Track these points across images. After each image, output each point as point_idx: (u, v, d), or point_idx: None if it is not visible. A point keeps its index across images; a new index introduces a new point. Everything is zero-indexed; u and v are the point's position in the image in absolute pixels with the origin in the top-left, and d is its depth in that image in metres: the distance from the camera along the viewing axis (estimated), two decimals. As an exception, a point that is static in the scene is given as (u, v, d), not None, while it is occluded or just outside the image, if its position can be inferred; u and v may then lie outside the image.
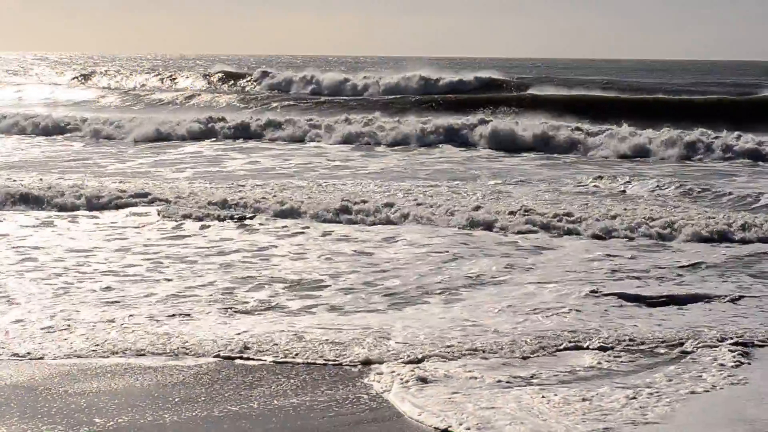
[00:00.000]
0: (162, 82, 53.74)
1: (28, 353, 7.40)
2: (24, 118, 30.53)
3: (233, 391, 6.67)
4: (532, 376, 6.92)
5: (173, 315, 8.47)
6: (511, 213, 13.57)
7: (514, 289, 9.58)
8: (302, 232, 12.74)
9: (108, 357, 7.35)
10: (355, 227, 13.15)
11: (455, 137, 26.17)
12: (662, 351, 7.57)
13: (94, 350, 7.47)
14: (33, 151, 24.36)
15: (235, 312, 8.64)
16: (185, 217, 13.56)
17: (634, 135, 24.41)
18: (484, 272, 10.35)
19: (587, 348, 7.59)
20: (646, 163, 22.36)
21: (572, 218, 13.24)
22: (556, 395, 6.48)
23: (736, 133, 23.89)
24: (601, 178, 18.34)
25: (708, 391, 6.66)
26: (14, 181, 16.82)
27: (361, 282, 9.85)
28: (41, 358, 7.30)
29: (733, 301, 9.11)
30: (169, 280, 9.88)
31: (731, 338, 7.80)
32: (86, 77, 58.80)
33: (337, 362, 7.24)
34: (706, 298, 9.18)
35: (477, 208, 13.99)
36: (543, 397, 6.45)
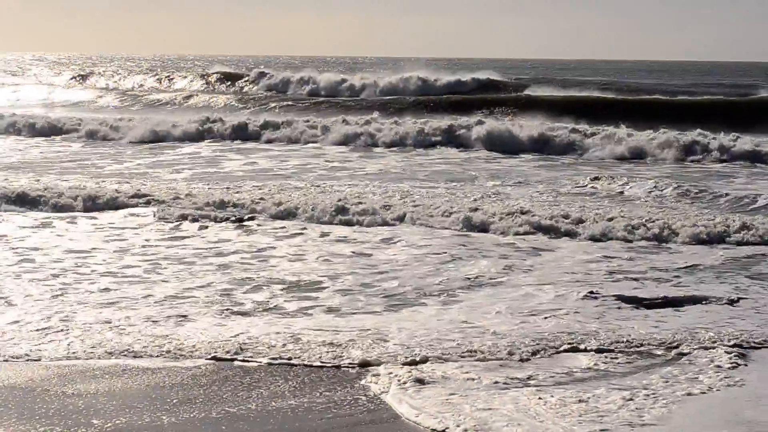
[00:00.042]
0: (160, 83, 53.75)
1: (26, 354, 7.40)
2: (21, 118, 30.52)
3: (231, 392, 6.68)
4: (528, 378, 6.93)
5: (171, 316, 8.47)
6: (510, 214, 13.58)
7: (512, 291, 9.60)
8: (300, 233, 12.75)
9: (106, 358, 7.35)
10: (353, 228, 13.15)
11: (453, 138, 26.17)
12: (659, 353, 7.58)
13: (91, 352, 7.48)
14: (31, 152, 24.36)
15: (233, 313, 8.64)
16: (182, 218, 13.56)
17: (632, 136, 24.44)
18: (482, 274, 10.36)
19: (584, 350, 7.61)
20: (644, 165, 22.38)
21: (570, 220, 13.25)
22: (552, 396, 6.50)
23: (735, 134, 23.93)
24: (599, 179, 18.36)
25: (704, 392, 6.67)
26: (11, 183, 16.81)
27: (359, 283, 9.86)
28: (39, 360, 7.31)
29: (730, 302, 9.13)
30: (167, 281, 9.88)
31: (728, 340, 7.81)
32: (84, 77, 58.80)
33: (335, 364, 7.24)
34: (703, 300, 9.20)
35: (475, 209, 14.00)
36: (540, 398, 6.47)
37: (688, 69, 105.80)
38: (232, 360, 7.35)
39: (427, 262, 10.94)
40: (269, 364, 7.26)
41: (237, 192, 15.93)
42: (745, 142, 23.44)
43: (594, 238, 12.50)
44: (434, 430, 6.02)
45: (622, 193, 17.00)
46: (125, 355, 7.41)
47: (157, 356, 7.40)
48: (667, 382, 6.85)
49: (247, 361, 7.33)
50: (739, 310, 8.88)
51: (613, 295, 9.30)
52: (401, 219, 13.54)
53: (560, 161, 22.95)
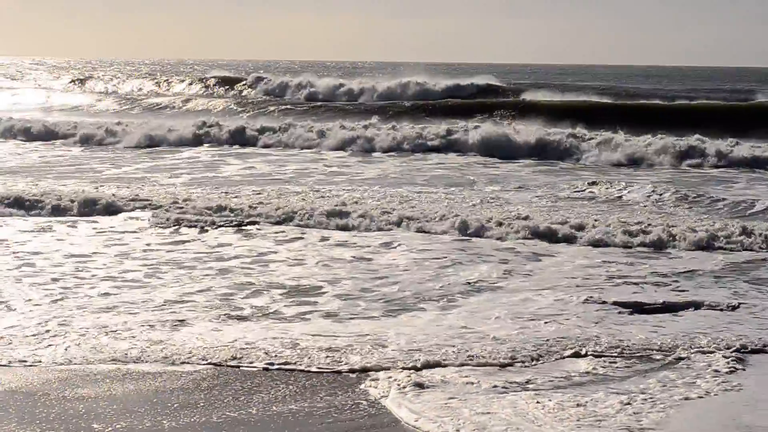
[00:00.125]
0: (159, 86, 53.79)
1: (26, 359, 7.42)
2: (18, 123, 30.52)
3: (232, 397, 6.70)
4: (527, 382, 6.96)
5: (172, 321, 8.49)
6: (509, 219, 13.61)
7: (511, 296, 9.62)
8: (300, 238, 12.78)
9: (105, 363, 7.37)
10: (352, 233, 13.18)
11: (452, 143, 26.21)
12: (657, 357, 7.61)
13: (92, 356, 7.49)
14: (30, 156, 24.37)
15: (233, 318, 8.66)
16: (179, 222, 13.57)
17: (630, 141, 24.48)
18: (481, 278, 10.38)
19: (583, 355, 7.63)
20: (642, 170, 22.42)
21: (569, 225, 13.28)
22: (550, 401, 6.53)
23: (733, 139, 23.98)
24: (597, 184, 18.39)
25: (702, 397, 6.70)
26: (9, 187, 16.83)
27: (359, 288, 9.88)
28: (39, 364, 7.32)
29: (729, 307, 9.15)
30: (166, 286, 9.90)
31: (726, 345, 7.84)
32: (83, 81, 58.83)
33: (335, 369, 7.27)
34: (702, 305, 9.23)
35: (474, 214, 14.03)
36: (538, 402, 6.49)
37: (688, 74, 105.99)
38: (234, 365, 7.36)
39: (426, 267, 10.97)
40: (269, 369, 7.28)
41: (236, 196, 15.96)
42: (744, 147, 23.50)
43: (593, 243, 12.53)
44: (433, 434, 6.04)
45: (620, 198, 17.04)
46: (125, 360, 7.42)
47: (158, 361, 7.42)
48: (665, 386, 6.88)
49: (247, 366, 7.35)
50: (738, 315, 8.90)
51: (612, 300, 9.33)
52: (400, 224, 13.57)
53: (559, 166, 22.99)
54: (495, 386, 6.83)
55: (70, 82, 59.00)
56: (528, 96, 38.18)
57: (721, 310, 9.08)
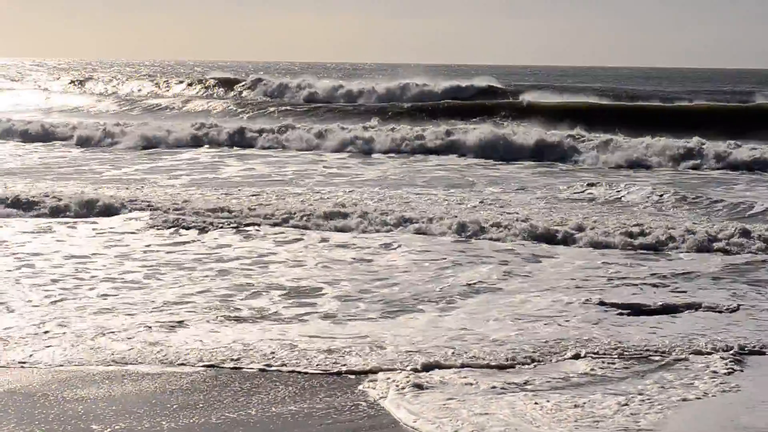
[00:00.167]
0: (158, 87, 53.80)
1: (25, 360, 7.43)
2: (18, 123, 30.53)
3: (231, 398, 6.72)
4: (525, 382, 6.97)
5: (171, 322, 8.50)
6: (509, 220, 13.62)
7: (510, 297, 9.63)
8: (300, 239, 12.79)
9: (104, 364, 7.38)
10: (352, 234, 13.19)
11: (452, 144, 26.21)
12: (655, 358, 7.62)
13: (90, 357, 7.51)
14: (29, 157, 24.38)
15: (233, 320, 8.67)
16: (179, 224, 13.58)
17: (629, 143, 24.49)
18: (481, 280, 10.40)
19: (582, 356, 7.64)
20: (642, 171, 22.43)
21: (569, 226, 13.29)
22: (548, 401, 6.54)
23: (733, 141, 23.98)
24: (597, 185, 18.40)
25: (700, 398, 6.71)
26: (8, 188, 16.84)
27: (358, 289, 9.90)
28: (38, 365, 7.34)
29: (728, 309, 9.17)
30: (166, 287, 9.91)
31: (724, 346, 7.85)
32: (82, 83, 58.83)
33: (334, 370, 7.28)
34: (700, 307, 9.24)
35: (474, 215, 14.04)
36: (536, 403, 6.51)
37: (688, 75, 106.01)
38: (233, 366, 7.37)
39: (426, 268, 10.98)
40: (268, 370, 7.29)
41: (235, 198, 15.97)
42: (743, 149, 23.51)
43: (593, 245, 12.54)
44: (432, 435, 6.05)
45: (620, 199, 17.05)
46: (124, 362, 7.43)
47: (157, 362, 7.43)
48: (662, 387, 6.89)
49: (246, 367, 7.36)
50: (736, 317, 8.92)
51: (611, 302, 9.34)
52: (400, 225, 13.57)
53: (558, 168, 23.00)
54: (493, 387, 6.84)
55: (70, 83, 59.01)
56: (528, 97, 38.18)
57: (720, 311, 9.09)
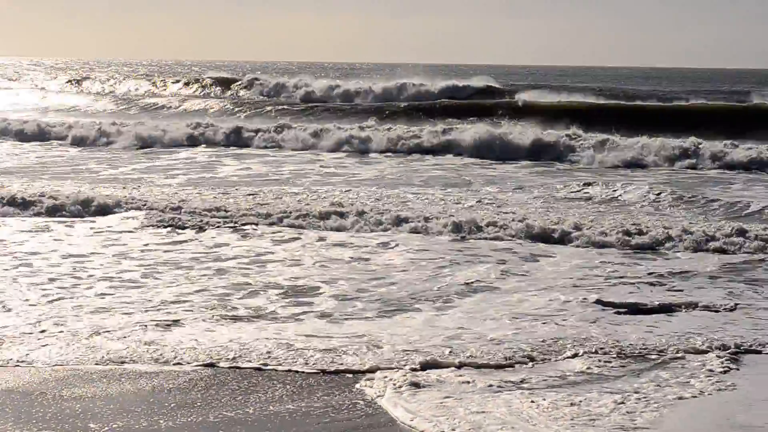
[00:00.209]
0: (155, 86, 53.78)
1: (23, 359, 7.43)
2: (15, 124, 30.50)
3: (229, 397, 6.72)
4: (522, 381, 6.99)
5: (168, 322, 8.51)
6: (506, 220, 13.64)
7: (508, 296, 9.65)
8: (297, 238, 12.80)
9: (102, 363, 7.38)
10: (349, 233, 13.20)
11: (449, 144, 26.22)
12: (652, 357, 7.64)
13: (88, 356, 7.51)
14: (26, 157, 24.38)
15: (230, 319, 8.68)
16: (176, 223, 13.58)
17: (626, 142, 24.51)
18: (478, 279, 10.41)
19: (578, 354, 7.66)
20: (639, 171, 22.46)
21: (566, 225, 13.30)
22: (545, 400, 6.56)
23: (730, 141, 24.02)
24: (594, 185, 18.42)
25: (696, 396, 6.73)
26: (4, 187, 16.83)
27: (355, 289, 9.91)
28: (36, 364, 7.34)
29: (724, 308, 9.18)
30: (163, 286, 9.92)
31: (720, 345, 7.87)
32: (79, 82, 58.78)
33: (331, 369, 7.29)
34: (697, 306, 9.26)
35: (472, 214, 14.05)
36: (532, 401, 6.52)
37: (688, 75, 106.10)
38: (231, 365, 7.38)
39: (423, 268, 11.00)
40: (266, 369, 7.30)
41: (233, 197, 15.97)
42: (740, 149, 23.54)
43: (590, 244, 12.55)
44: (429, 433, 6.07)
45: (617, 199, 17.08)
46: (121, 360, 7.44)
47: (154, 361, 7.44)
48: (659, 386, 6.91)
49: (244, 366, 7.36)
50: (733, 316, 8.94)
51: (608, 301, 9.36)
52: (398, 224, 13.58)
53: (555, 167, 23.03)
54: (490, 385, 6.86)
55: (67, 82, 58.97)
56: (525, 96, 38.18)
57: (717, 310, 9.12)
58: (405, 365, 7.28)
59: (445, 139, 26.41)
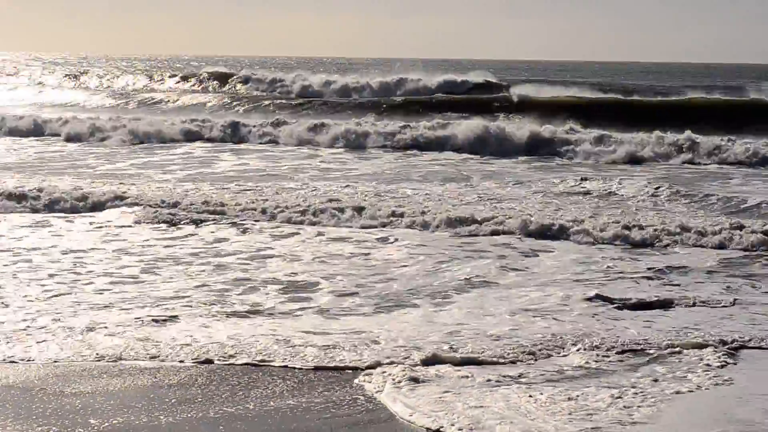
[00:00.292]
0: (153, 81, 53.72)
1: (23, 355, 7.45)
2: (12, 119, 30.44)
3: (229, 392, 6.74)
4: (520, 375, 7.01)
5: (168, 317, 8.53)
6: (505, 215, 13.65)
7: (507, 291, 9.67)
8: (296, 233, 12.82)
9: (102, 359, 7.40)
10: (349, 229, 13.22)
11: (448, 139, 26.22)
12: (650, 352, 7.66)
13: (87, 352, 7.52)
14: (24, 152, 24.36)
15: (230, 314, 8.70)
16: (175, 218, 13.59)
17: (624, 137, 24.52)
18: (477, 274, 10.43)
19: (577, 350, 7.68)
20: (637, 166, 22.48)
21: (565, 220, 13.33)
22: (542, 394, 6.58)
23: (728, 136, 24.04)
24: (591, 180, 18.44)
25: (693, 391, 6.76)
26: (2, 182, 16.84)
27: (355, 284, 9.93)
28: (36, 360, 7.36)
29: (722, 303, 9.21)
30: (163, 282, 9.93)
31: (718, 340, 7.90)
32: (77, 77, 58.71)
33: (331, 365, 7.31)
34: (695, 301, 9.29)
35: (471, 210, 14.08)
36: (530, 396, 6.55)
37: (688, 70, 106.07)
38: (231, 361, 7.40)
39: (423, 263, 11.02)
40: (266, 365, 7.32)
41: (231, 192, 15.98)
42: (739, 143, 23.57)
43: (588, 239, 12.58)
44: (429, 429, 6.09)
45: (615, 194, 17.10)
46: (122, 356, 7.45)
47: (154, 357, 7.46)
48: (656, 380, 6.94)
49: (244, 361, 7.38)
50: (731, 310, 8.97)
51: (606, 296, 9.39)
52: (395, 220, 13.60)
53: (554, 162, 23.05)
54: (488, 380, 6.89)
55: (65, 77, 58.89)
56: (523, 91, 38.16)
57: (715, 305, 9.14)
58: (404, 360, 7.31)
59: (443, 134, 26.41)
